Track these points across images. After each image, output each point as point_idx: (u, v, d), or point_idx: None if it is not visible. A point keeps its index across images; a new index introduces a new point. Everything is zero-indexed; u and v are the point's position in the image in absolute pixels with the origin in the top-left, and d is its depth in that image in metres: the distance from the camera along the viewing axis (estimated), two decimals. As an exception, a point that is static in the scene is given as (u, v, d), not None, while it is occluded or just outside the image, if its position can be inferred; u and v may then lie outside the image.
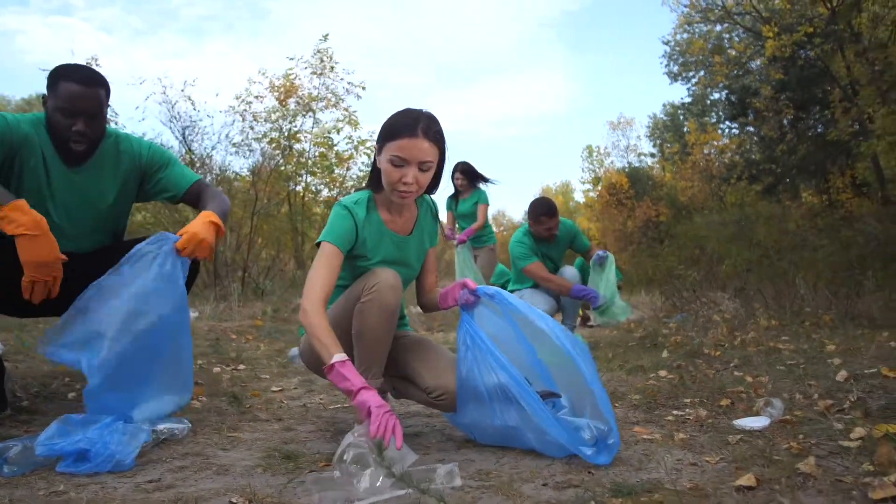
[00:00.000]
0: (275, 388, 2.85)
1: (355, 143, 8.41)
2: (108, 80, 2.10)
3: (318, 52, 8.58)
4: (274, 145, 8.08)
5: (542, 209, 3.99)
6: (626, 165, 23.66)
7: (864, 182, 14.70)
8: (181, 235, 1.96)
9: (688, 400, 2.36)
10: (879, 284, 5.33)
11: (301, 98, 8.43)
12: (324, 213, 8.59)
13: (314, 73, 8.50)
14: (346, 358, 1.69)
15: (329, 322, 1.95)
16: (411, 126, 1.81)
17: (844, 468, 1.45)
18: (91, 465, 1.61)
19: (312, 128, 8.29)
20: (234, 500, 1.41)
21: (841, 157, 14.63)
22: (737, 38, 17.20)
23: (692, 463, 1.61)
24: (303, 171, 8.31)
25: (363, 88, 8.59)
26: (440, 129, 1.87)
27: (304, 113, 8.08)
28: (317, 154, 8.16)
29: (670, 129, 23.09)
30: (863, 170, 12.68)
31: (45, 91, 2.05)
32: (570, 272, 4.00)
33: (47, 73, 2.04)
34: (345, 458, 1.57)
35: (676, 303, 5.49)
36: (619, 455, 1.69)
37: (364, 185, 2.08)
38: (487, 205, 5.48)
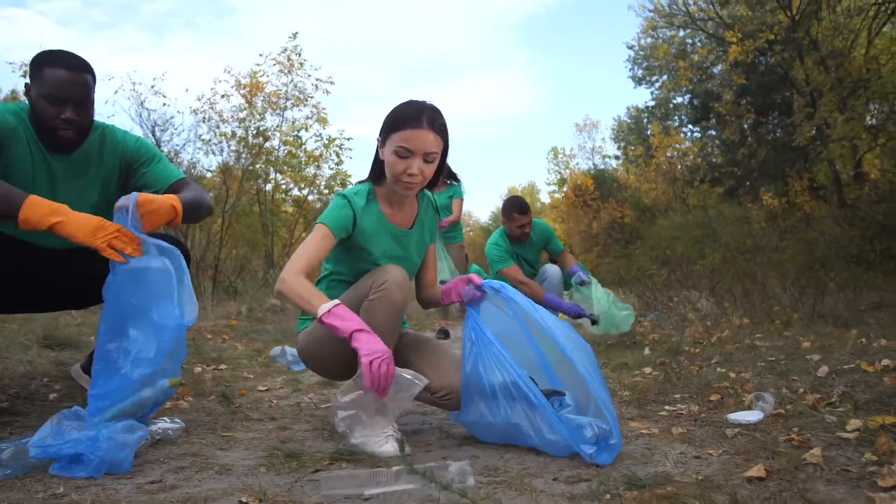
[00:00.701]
0: (261, 388, 2.81)
1: (325, 140, 8.34)
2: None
3: (286, 49, 8.50)
4: (242, 144, 7.96)
5: (514, 206, 4.03)
6: (592, 167, 24.00)
7: (821, 186, 15.18)
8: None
9: (677, 396, 2.40)
10: (841, 285, 5.51)
11: (268, 96, 8.33)
12: (295, 212, 8.50)
13: (282, 70, 8.41)
14: (337, 302, 1.68)
15: None
16: (416, 117, 1.81)
17: (847, 458, 1.49)
18: (85, 470, 1.55)
19: (280, 125, 8.19)
20: (244, 500, 1.38)
21: (799, 161, 15.08)
22: (699, 44, 17.58)
23: (696, 456, 1.63)
24: (271, 170, 8.20)
25: (332, 83, 8.52)
26: (444, 121, 1.87)
27: (273, 111, 7.99)
28: (286, 152, 8.06)
29: (634, 132, 23.49)
30: (823, 173, 13.07)
31: (23, 81, 1.98)
32: (552, 270, 4.04)
33: (29, 62, 1.97)
34: (340, 429, 1.57)
35: (650, 301, 5.58)
36: (622, 450, 1.71)
37: (366, 177, 2.05)
38: (462, 200, 5.44)
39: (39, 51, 1.98)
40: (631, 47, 20.74)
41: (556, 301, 3.84)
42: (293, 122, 8.11)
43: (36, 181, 2.01)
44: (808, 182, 14.79)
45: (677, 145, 19.82)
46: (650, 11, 16.92)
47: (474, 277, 1.91)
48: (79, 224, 1.76)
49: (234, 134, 7.81)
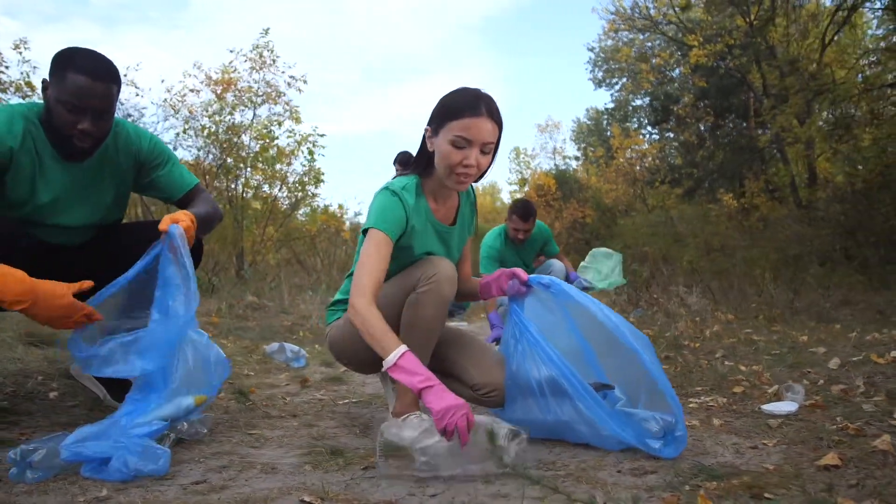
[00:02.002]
0: (267, 385, 2.71)
1: (298, 137, 8.17)
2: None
3: (258, 46, 8.29)
4: (212, 139, 7.73)
5: (516, 210, 4.00)
6: (554, 168, 24.23)
7: (776, 187, 15.66)
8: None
9: (699, 388, 2.40)
10: (814, 283, 5.67)
11: (239, 92, 8.11)
12: (264, 208, 8.30)
13: (253, 67, 8.20)
14: (405, 350, 1.55)
15: None
16: (474, 105, 1.69)
17: (910, 445, 1.50)
18: (116, 475, 1.44)
19: (252, 121, 7.99)
20: (306, 499, 1.31)
21: (756, 163, 15.53)
22: (657, 48, 17.93)
23: (752, 447, 1.63)
24: (241, 166, 8.00)
25: (304, 82, 8.35)
26: (499, 108, 1.75)
27: (244, 107, 7.79)
28: (257, 148, 7.87)
29: (594, 134, 23.81)
30: (779, 176, 13.47)
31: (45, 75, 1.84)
32: (558, 266, 4.03)
33: (52, 58, 1.82)
34: (423, 473, 1.48)
35: (631, 298, 5.64)
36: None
37: (410, 169, 1.92)
38: None
39: (64, 48, 1.83)
40: (592, 49, 21.02)
41: (496, 322, 3.83)
42: (265, 118, 7.93)
43: (38, 191, 1.87)
44: (765, 183, 15.23)
45: (636, 146, 20.16)
46: (612, 14, 17.16)
47: (519, 272, 1.85)
48: (46, 311, 1.70)
49: (204, 128, 7.59)
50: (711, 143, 16.80)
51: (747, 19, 13.55)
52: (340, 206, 9.53)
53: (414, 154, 5.66)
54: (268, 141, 7.97)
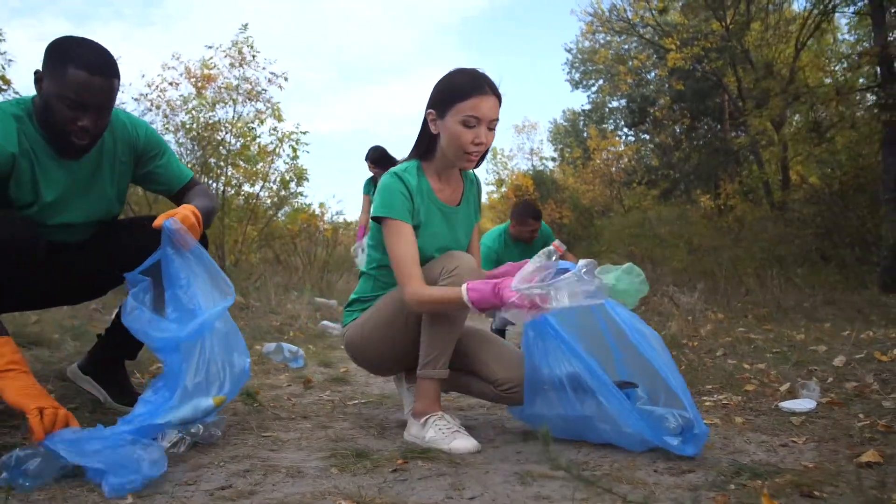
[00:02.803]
0: (269, 386, 2.64)
1: (280, 135, 8.04)
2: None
3: (237, 42, 8.14)
4: (192, 135, 7.58)
5: (531, 212, 4.02)
6: (531, 168, 24.32)
7: (750, 189, 15.91)
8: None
9: (710, 387, 2.40)
10: (800, 283, 5.75)
11: (218, 88, 7.96)
12: (247, 207, 8.17)
13: (232, 63, 8.05)
14: (466, 287, 1.60)
15: (390, 306, 1.82)
16: (479, 84, 1.75)
17: (944, 442, 1.50)
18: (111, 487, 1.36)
19: (232, 118, 7.85)
20: (343, 504, 1.26)
21: (731, 164, 15.75)
22: (633, 50, 18.10)
23: (782, 444, 1.62)
24: (222, 164, 7.85)
25: (285, 79, 8.23)
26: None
27: (224, 104, 7.64)
28: (238, 146, 7.72)
29: (571, 135, 23.96)
30: (756, 177, 13.66)
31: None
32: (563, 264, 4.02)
33: (47, 46, 1.74)
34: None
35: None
36: (710, 440, 1.67)
37: (408, 156, 1.94)
38: None
39: (61, 38, 1.73)
40: (569, 51, 21.17)
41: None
42: (245, 115, 7.78)
43: (42, 191, 1.79)
44: (739, 185, 15.46)
45: (612, 148, 20.33)
46: (590, 16, 17.28)
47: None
48: (15, 396, 1.51)
49: (183, 125, 7.44)
50: (687, 146, 17.02)
51: (723, 23, 13.74)
52: (322, 205, 9.41)
53: (385, 150, 5.50)
54: (250, 140, 7.83)
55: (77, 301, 2.22)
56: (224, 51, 7.82)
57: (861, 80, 8.72)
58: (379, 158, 5.14)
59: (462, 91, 1.74)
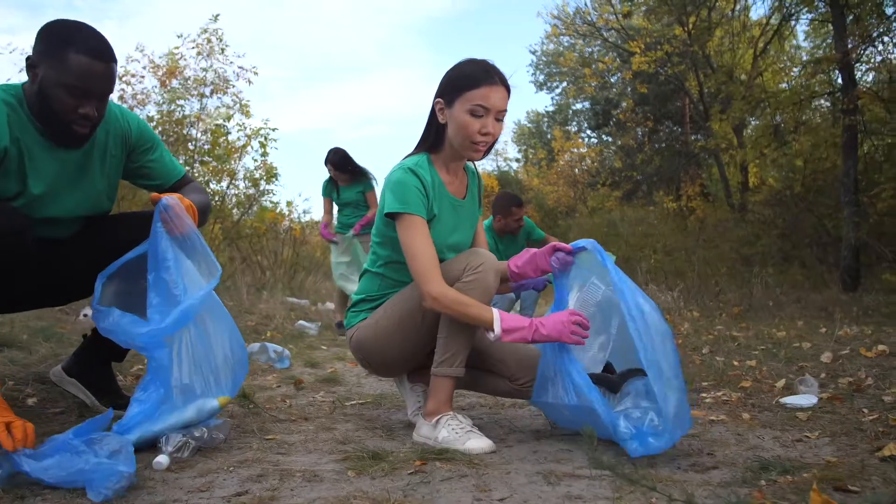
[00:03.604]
0: (257, 387, 2.56)
1: (248, 132, 7.86)
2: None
3: (206, 31, 7.94)
4: (158, 131, 7.34)
5: (514, 201, 4.03)
6: (496, 169, 24.42)
7: (711, 191, 16.28)
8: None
9: (705, 384, 2.42)
10: (774, 281, 5.88)
11: (185, 81, 7.75)
12: (215, 206, 7.95)
13: (199, 53, 7.84)
14: (498, 313, 1.62)
15: (403, 305, 1.78)
16: (489, 74, 1.73)
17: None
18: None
19: (199, 113, 7.64)
20: (372, 508, 1.22)
21: (692, 167, 16.09)
22: (597, 53, 18.34)
23: (796, 440, 1.63)
24: (191, 161, 7.63)
25: (255, 73, 8.06)
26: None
27: (190, 97, 7.42)
28: (208, 143, 7.52)
29: (535, 136, 24.14)
30: (716, 179, 13.98)
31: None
32: None
33: (41, 30, 1.65)
34: None
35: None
36: (719, 437, 1.68)
37: (414, 149, 1.90)
38: (375, 191, 5.13)
39: (56, 21, 1.64)
40: (534, 52, 21.30)
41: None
42: (215, 110, 7.58)
43: (30, 182, 1.69)
44: (700, 187, 15.80)
45: (576, 149, 20.55)
46: (556, 19, 17.44)
47: (560, 244, 1.77)
48: None
49: (151, 119, 7.20)
50: (649, 148, 17.32)
51: (685, 28, 14.02)
52: (290, 204, 9.24)
53: (346, 152, 5.36)
54: (223, 138, 7.62)
55: (64, 301, 2.11)
56: (192, 40, 7.61)
57: (813, 87, 9.00)
58: (339, 161, 4.91)
59: (471, 80, 1.72)
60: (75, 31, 1.62)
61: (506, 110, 1.76)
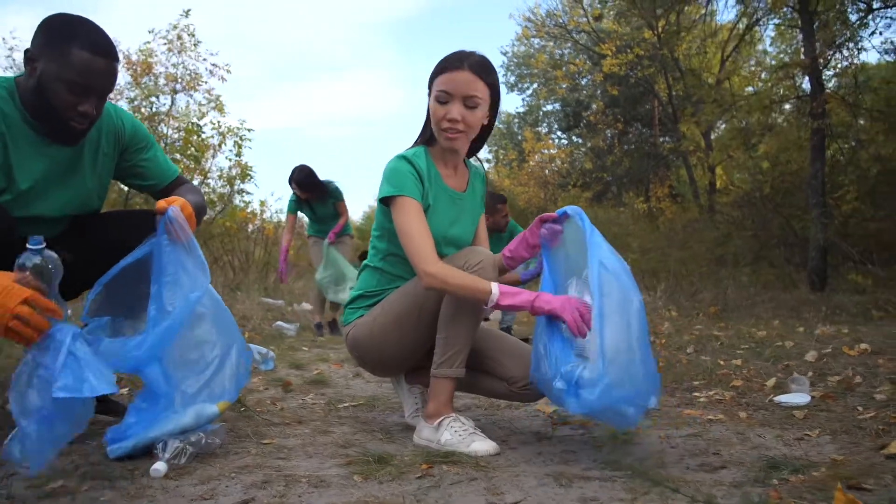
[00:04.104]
0: (244, 389, 2.50)
1: (223, 130, 7.72)
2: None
3: (177, 27, 7.78)
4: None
5: (499, 198, 4.04)
6: (467, 169, 24.44)
7: (679, 192, 16.54)
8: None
9: (696, 383, 2.43)
10: (744, 281, 5.99)
11: (155, 77, 7.58)
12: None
13: (170, 49, 7.67)
14: (496, 283, 1.59)
15: (402, 302, 1.75)
16: (458, 59, 1.71)
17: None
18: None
19: (170, 110, 7.48)
20: (387, 514, 1.19)
21: (661, 169, 16.34)
22: (567, 55, 18.50)
23: (797, 438, 1.64)
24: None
25: (228, 71, 7.93)
26: (492, 68, 1.75)
27: (162, 93, 7.27)
28: (180, 140, 7.36)
29: (506, 137, 24.24)
30: (684, 181, 14.22)
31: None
32: None
33: (42, 23, 1.58)
34: None
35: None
36: (721, 436, 1.69)
37: (415, 141, 1.88)
38: (343, 199, 5.13)
39: (57, 15, 1.58)
40: (505, 53, 21.39)
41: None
42: (186, 106, 7.44)
43: (16, 178, 1.62)
44: (669, 189, 16.04)
45: (546, 150, 20.69)
46: (529, 21, 17.54)
47: (545, 215, 1.74)
48: None
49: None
50: (619, 150, 17.54)
51: (655, 32, 14.22)
52: (262, 203, 9.10)
53: (311, 170, 5.34)
54: (195, 136, 7.47)
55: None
56: (163, 36, 7.45)
57: (780, 91, 9.21)
58: (304, 181, 4.85)
59: (441, 67, 1.72)
60: (78, 26, 1.57)
61: (475, 96, 1.70)
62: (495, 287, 1.57)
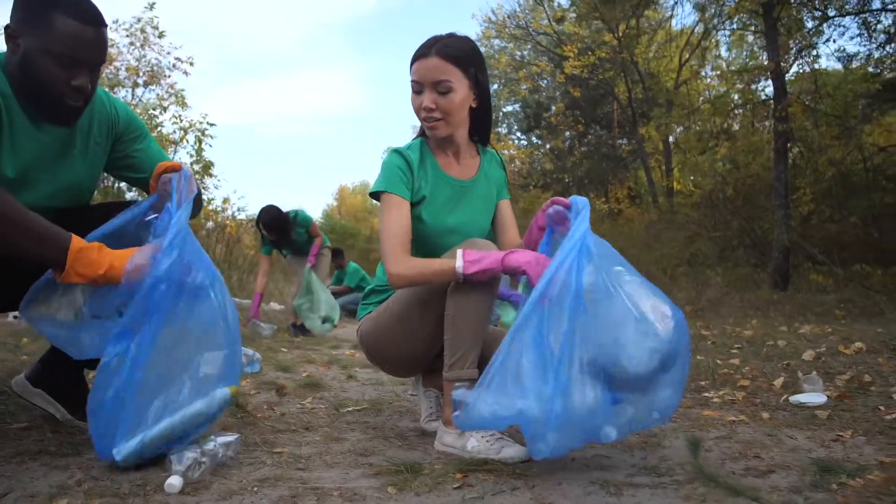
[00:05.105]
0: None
1: (184, 124, 7.43)
2: None
3: (140, 20, 7.46)
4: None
5: None
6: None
7: (637, 194, 16.82)
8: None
9: (703, 383, 2.40)
10: (718, 282, 6.07)
11: (116, 70, 7.25)
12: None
13: (132, 43, 7.36)
14: (459, 251, 1.53)
15: (404, 297, 1.70)
16: (426, 46, 1.65)
17: None
18: None
19: (133, 102, 7.17)
20: (440, 530, 1.09)
21: (620, 171, 16.58)
22: (526, 57, 18.61)
23: (833, 440, 1.61)
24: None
25: (191, 64, 7.65)
26: (464, 48, 1.66)
27: (122, 86, 6.94)
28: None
29: (466, 137, 24.25)
30: (643, 183, 14.45)
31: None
32: None
33: None
34: None
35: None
36: (752, 438, 1.65)
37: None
38: (312, 220, 5.17)
39: None
40: (465, 54, 21.37)
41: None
42: (147, 101, 7.13)
43: (4, 163, 1.48)
44: (628, 190, 16.29)
45: (506, 151, 20.77)
46: (490, 23, 17.58)
47: (558, 199, 1.64)
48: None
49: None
50: (579, 151, 17.73)
51: (615, 35, 14.42)
52: (226, 201, 8.80)
53: (278, 210, 5.26)
54: (155, 131, 7.17)
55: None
56: (126, 28, 7.13)
57: (745, 95, 9.44)
58: (272, 222, 4.87)
59: (412, 58, 1.68)
60: None
61: (446, 80, 1.63)
62: (459, 258, 1.51)
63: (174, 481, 1.28)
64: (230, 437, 1.49)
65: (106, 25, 1.52)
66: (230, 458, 1.48)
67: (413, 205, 1.72)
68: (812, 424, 1.76)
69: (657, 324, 1.40)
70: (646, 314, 1.40)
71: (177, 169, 1.57)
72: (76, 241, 1.40)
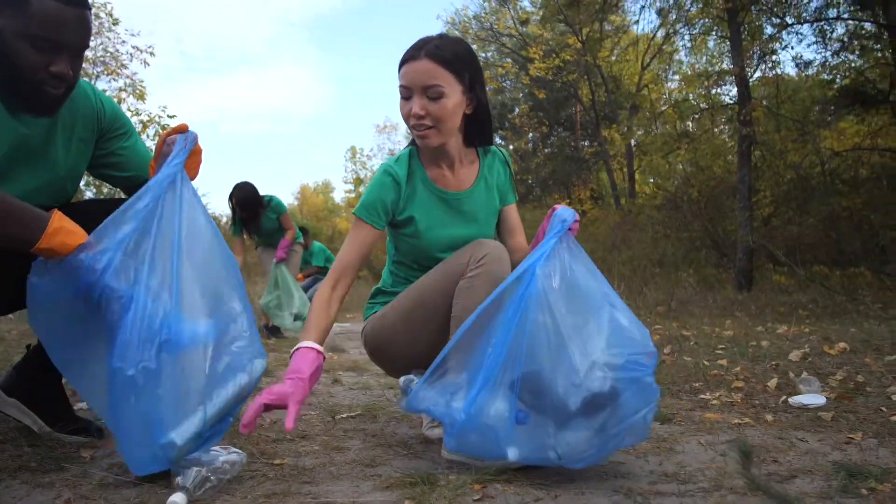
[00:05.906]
0: (219, 402, 2.25)
1: (144, 118, 7.18)
2: None
3: (93, 5, 7.17)
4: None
5: None
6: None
7: (599, 195, 17.04)
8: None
9: (697, 385, 2.39)
10: (692, 282, 6.15)
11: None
12: (99, 196, 7.21)
13: (85, 29, 7.06)
14: (312, 347, 1.46)
15: (408, 298, 1.66)
16: (416, 48, 1.56)
17: None
18: None
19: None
20: (475, 548, 1.03)
21: (583, 172, 16.76)
22: (490, 59, 18.67)
23: (845, 442, 1.60)
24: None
25: (152, 54, 7.40)
26: (457, 50, 1.57)
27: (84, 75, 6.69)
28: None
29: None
30: (606, 184, 14.62)
31: None
32: None
33: None
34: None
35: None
36: (763, 441, 1.63)
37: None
38: (286, 211, 5.01)
39: None
40: (429, 54, 21.33)
41: None
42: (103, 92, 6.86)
43: None
44: (590, 191, 16.48)
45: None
46: (453, 24, 17.57)
47: (559, 206, 1.57)
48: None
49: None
50: (542, 153, 17.87)
51: (579, 38, 14.58)
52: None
53: (253, 189, 5.17)
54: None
55: (16, 307, 1.71)
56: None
57: (710, 100, 9.62)
58: (245, 199, 4.70)
59: (400, 61, 1.59)
60: None
61: (437, 84, 1.53)
62: (295, 348, 1.49)
63: (178, 500, 1.19)
64: (236, 455, 1.39)
65: (89, 8, 1.42)
66: (236, 474, 1.39)
67: (400, 224, 1.69)
68: (818, 427, 1.76)
69: (582, 372, 1.36)
70: (574, 362, 1.36)
71: (183, 131, 1.47)
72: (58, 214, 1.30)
